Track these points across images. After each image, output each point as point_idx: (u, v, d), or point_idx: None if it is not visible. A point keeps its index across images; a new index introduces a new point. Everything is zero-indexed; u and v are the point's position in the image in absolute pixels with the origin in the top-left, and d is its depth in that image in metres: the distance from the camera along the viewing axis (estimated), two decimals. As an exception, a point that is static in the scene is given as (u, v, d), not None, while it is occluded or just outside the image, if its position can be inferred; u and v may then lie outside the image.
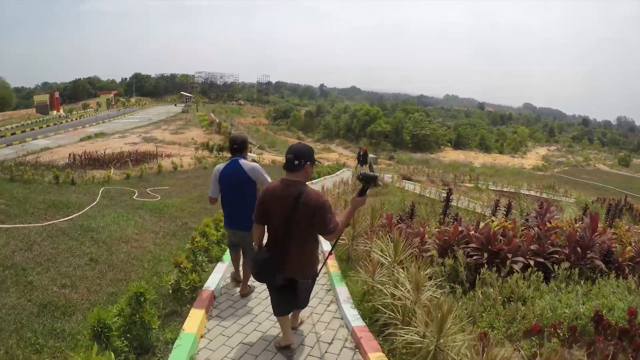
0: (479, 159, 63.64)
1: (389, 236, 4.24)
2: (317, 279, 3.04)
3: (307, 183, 2.82)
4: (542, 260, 4.00)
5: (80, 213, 7.27)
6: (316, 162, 2.90)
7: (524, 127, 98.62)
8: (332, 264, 4.90)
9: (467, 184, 25.35)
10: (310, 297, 3.24)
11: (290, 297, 2.93)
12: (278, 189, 2.75)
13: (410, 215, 6.14)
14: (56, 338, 3.28)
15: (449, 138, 75.89)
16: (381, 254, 3.84)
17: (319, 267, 3.08)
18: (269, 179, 3.67)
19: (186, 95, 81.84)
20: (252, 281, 4.19)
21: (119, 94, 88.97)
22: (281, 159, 24.21)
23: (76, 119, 54.53)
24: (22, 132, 43.00)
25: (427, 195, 14.39)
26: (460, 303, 3.51)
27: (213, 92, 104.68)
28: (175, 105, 76.94)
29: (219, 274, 4.52)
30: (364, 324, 3.40)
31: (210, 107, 74.31)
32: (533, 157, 73.27)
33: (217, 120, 51.85)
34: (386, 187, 13.96)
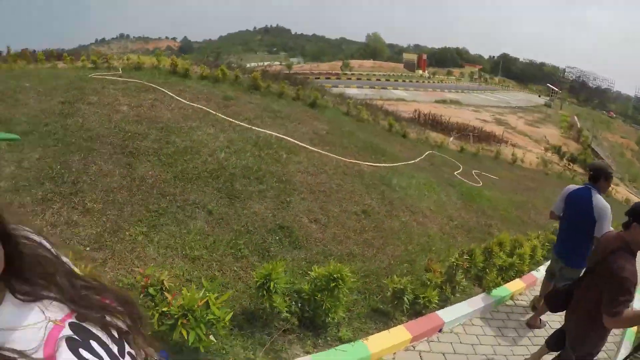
0: None
1: None
2: None
3: None
4: None
5: (390, 165, 7.13)
6: None
7: None
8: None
9: None
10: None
11: (561, 338, 2.72)
12: (604, 240, 2.54)
13: None
14: (262, 259, 3.35)
15: None
16: None
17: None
18: (609, 229, 3.07)
19: (553, 89, 74.24)
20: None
21: (483, 70, 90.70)
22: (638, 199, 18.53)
23: (437, 82, 60.32)
24: (386, 80, 51.69)
25: None
26: None
27: (583, 93, 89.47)
28: (539, 96, 71.67)
29: (469, 309, 3.69)
30: None
31: (575, 110, 64.00)
32: None
33: (579, 126, 44.53)
34: None
